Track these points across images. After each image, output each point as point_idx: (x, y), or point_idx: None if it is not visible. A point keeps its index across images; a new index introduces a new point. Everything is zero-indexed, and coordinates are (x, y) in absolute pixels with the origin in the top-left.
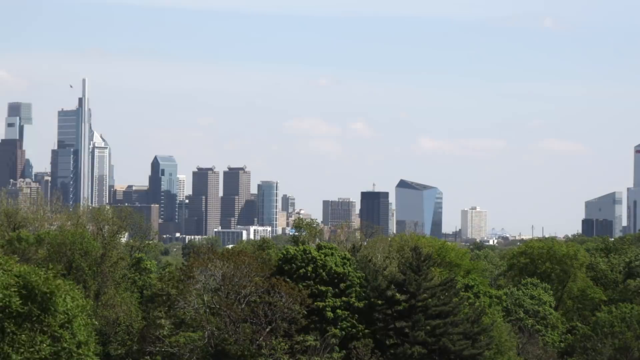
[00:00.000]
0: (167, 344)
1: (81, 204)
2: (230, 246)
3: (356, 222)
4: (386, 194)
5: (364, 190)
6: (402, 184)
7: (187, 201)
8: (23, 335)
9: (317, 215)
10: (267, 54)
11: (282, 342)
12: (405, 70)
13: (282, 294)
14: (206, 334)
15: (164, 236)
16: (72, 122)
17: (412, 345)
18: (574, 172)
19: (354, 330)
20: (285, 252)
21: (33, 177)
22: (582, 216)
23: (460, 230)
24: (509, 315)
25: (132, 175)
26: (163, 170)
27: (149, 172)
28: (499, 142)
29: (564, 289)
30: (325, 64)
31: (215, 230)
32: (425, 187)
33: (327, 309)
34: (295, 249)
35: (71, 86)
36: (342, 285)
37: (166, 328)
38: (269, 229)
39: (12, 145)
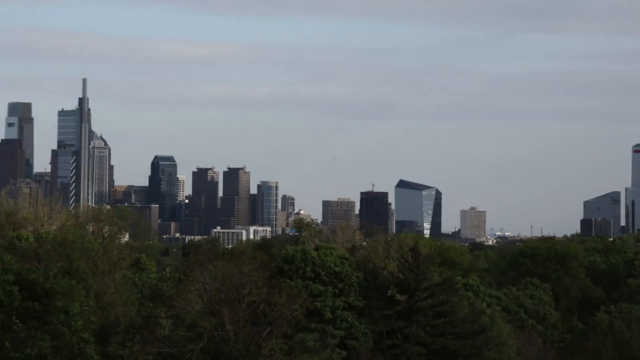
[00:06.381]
0: (167, 344)
1: (81, 204)
2: (229, 247)
3: (356, 222)
4: (385, 194)
5: (364, 190)
6: (402, 184)
7: (187, 201)
8: (23, 332)
9: (316, 215)
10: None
11: (282, 343)
12: None
13: (282, 294)
14: (206, 334)
15: (164, 236)
16: (72, 122)
17: (412, 345)
18: (573, 172)
19: (353, 330)
20: (285, 253)
21: (33, 177)
22: (581, 216)
23: (459, 230)
24: (509, 315)
25: (132, 175)
26: (163, 170)
27: (149, 172)
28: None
29: (563, 288)
30: None
31: (215, 230)
32: (424, 187)
33: (327, 309)
34: (295, 249)
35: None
36: (341, 285)
37: (166, 328)
38: (269, 229)
39: (12, 145)
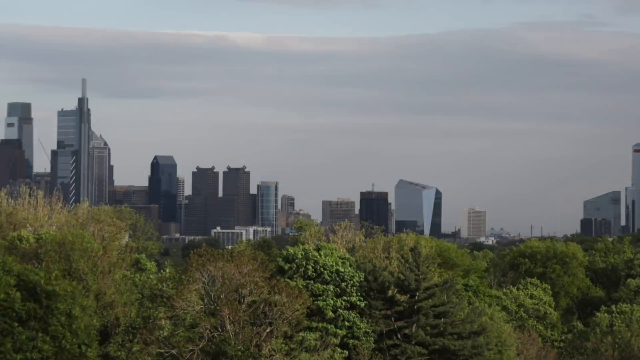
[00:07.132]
0: (167, 345)
1: (81, 204)
2: (229, 247)
3: (356, 222)
4: (385, 194)
5: (364, 190)
6: (402, 184)
7: (187, 201)
8: (24, 335)
9: (316, 215)
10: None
11: (282, 343)
12: None
13: (282, 294)
14: (206, 334)
15: (164, 236)
16: (72, 122)
17: (412, 346)
18: (573, 172)
19: (355, 329)
20: (285, 252)
21: (33, 177)
22: (581, 216)
23: (459, 230)
24: (509, 315)
25: (132, 175)
26: (163, 170)
27: (149, 172)
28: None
29: (563, 288)
30: None
31: (215, 230)
32: (424, 187)
33: (328, 308)
34: (295, 249)
35: None
36: (343, 284)
37: (166, 329)
38: (269, 229)
39: (12, 145)
